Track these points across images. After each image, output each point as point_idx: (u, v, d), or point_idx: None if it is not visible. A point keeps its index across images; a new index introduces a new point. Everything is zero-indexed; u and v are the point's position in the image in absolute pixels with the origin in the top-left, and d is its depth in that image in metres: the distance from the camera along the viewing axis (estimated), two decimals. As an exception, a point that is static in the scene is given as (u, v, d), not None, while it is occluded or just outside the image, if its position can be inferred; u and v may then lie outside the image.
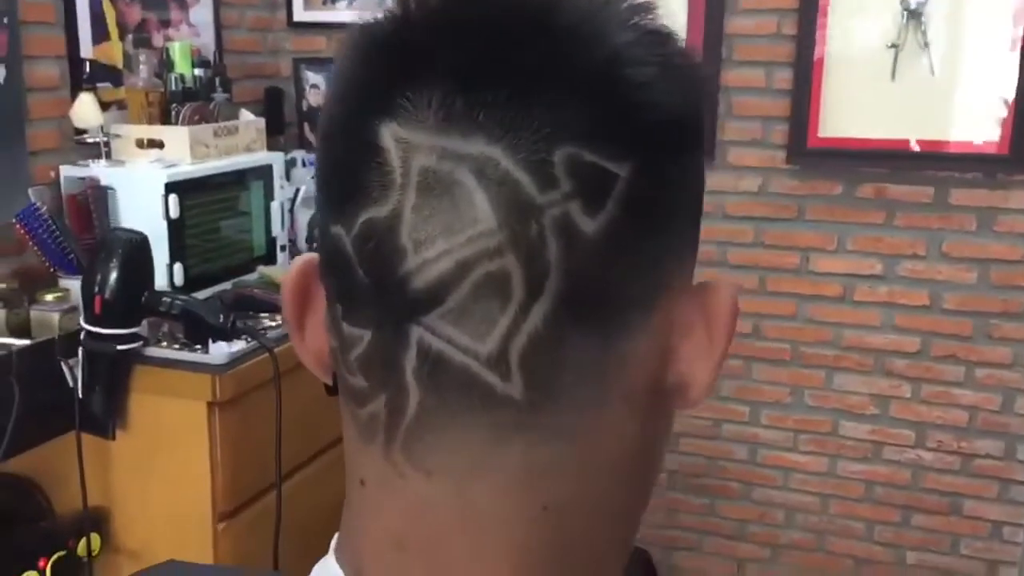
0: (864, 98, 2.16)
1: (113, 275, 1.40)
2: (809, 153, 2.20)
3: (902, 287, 2.23)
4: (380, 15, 0.39)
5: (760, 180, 2.28)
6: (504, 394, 0.35)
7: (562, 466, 0.37)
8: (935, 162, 2.14)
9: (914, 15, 2.10)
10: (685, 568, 2.53)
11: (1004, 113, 2.07)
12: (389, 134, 0.35)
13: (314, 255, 0.42)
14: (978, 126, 2.10)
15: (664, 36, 0.38)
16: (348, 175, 0.37)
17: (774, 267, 2.31)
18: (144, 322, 1.48)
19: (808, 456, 2.38)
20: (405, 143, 0.35)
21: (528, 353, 0.35)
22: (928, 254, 2.20)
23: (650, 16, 0.39)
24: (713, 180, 2.30)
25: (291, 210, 2.20)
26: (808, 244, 2.28)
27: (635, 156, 0.35)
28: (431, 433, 0.37)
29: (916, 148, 2.14)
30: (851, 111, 2.17)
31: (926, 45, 2.10)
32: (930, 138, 2.13)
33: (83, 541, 1.48)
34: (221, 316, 1.40)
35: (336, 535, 0.43)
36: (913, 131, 2.13)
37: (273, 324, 1.67)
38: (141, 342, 1.47)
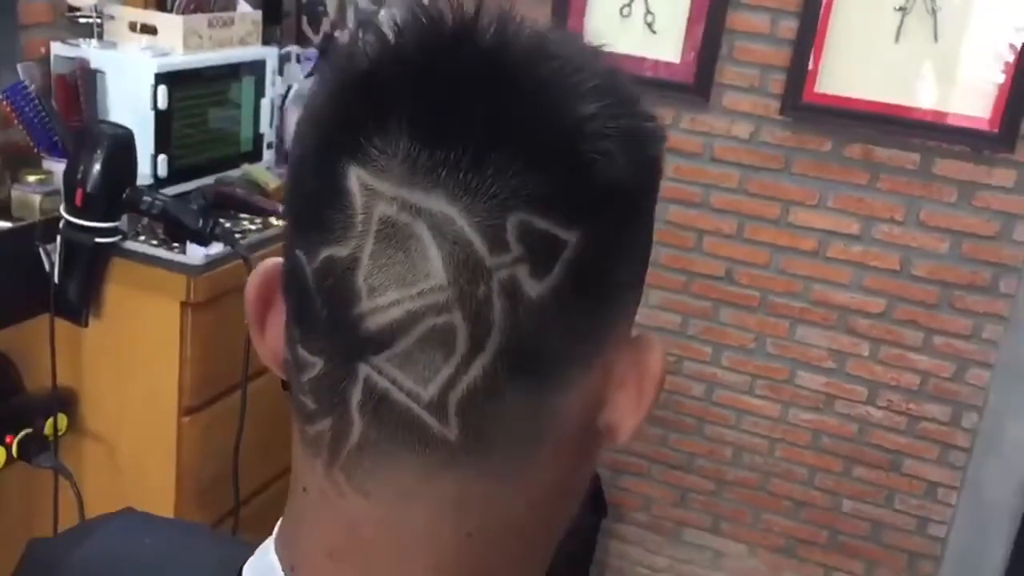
0: (865, 58, 2.15)
1: (96, 168, 1.40)
2: (803, 107, 2.20)
3: (876, 249, 2.26)
4: (357, 50, 0.40)
5: (752, 128, 2.28)
6: (440, 436, 0.38)
7: (489, 501, 0.40)
8: (924, 131, 2.15)
9: (926, -21, 2.08)
10: (631, 491, 2.63)
11: (998, 90, 2.07)
12: (355, 178, 0.37)
13: (279, 260, 0.44)
14: (972, 100, 2.11)
15: (628, 104, 0.40)
16: (314, 208, 0.39)
17: (754, 215, 2.34)
18: (124, 216, 1.49)
19: (762, 401, 2.46)
20: (370, 190, 0.37)
21: (465, 401, 0.38)
22: (905, 220, 2.23)
23: (618, 78, 0.40)
24: (705, 122, 2.31)
25: (281, 107, 2.18)
26: (790, 197, 2.30)
27: (585, 224, 0.37)
28: (370, 460, 0.39)
29: (908, 114, 2.14)
30: (851, 69, 2.17)
31: (933, 11, 2.09)
32: (923, 106, 2.14)
33: (50, 421, 1.53)
34: (201, 220, 1.41)
35: (279, 523, 0.47)
36: (908, 97, 2.14)
37: (253, 227, 1.69)
38: (120, 236, 1.48)
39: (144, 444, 1.59)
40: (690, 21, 2.25)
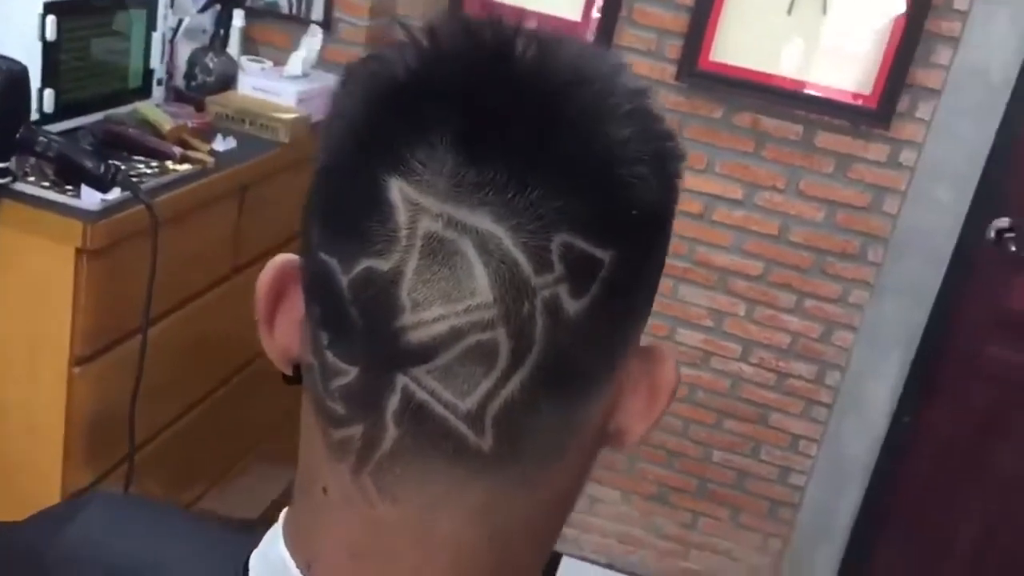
0: (759, 28, 2.22)
1: (-13, 105, 1.32)
2: (698, 74, 2.26)
3: (758, 215, 2.36)
4: (391, 56, 0.41)
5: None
6: (475, 446, 0.40)
7: (512, 506, 0.42)
8: (808, 103, 2.24)
9: (820, -43, 2.15)
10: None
11: (878, 67, 2.18)
12: (398, 191, 0.38)
13: (293, 257, 0.45)
14: (854, 75, 2.21)
15: (656, 126, 0.42)
16: (349, 217, 0.39)
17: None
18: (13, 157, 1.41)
19: (643, 355, 2.54)
20: (415, 205, 0.38)
21: (502, 414, 0.39)
22: (786, 189, 2.33)
23: (647, 101, 0.42)
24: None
25: (171, 40, 2.09)
26: (680, 160, 2.36)
27: (619, 244, 0.39)
28: (402, 467, 0.41)
29: (795, 87, 2.23)
30: (745, 39, 2.23)
31: (825, -13, 2.17)
32: (809, 79, 2.23)
33: (-71, 368, 1.45)
34: (101, 165, 1.35)
35: (284, 513, 0.47)
36: (796, 69, 2.23)
37: (149, 171, 1.62)
38: (10, 178, 1.40)
39: (32, 394, 1.53)
40: (591, -19, 2.26)
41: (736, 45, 2.23)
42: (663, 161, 0.41)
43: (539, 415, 0.40)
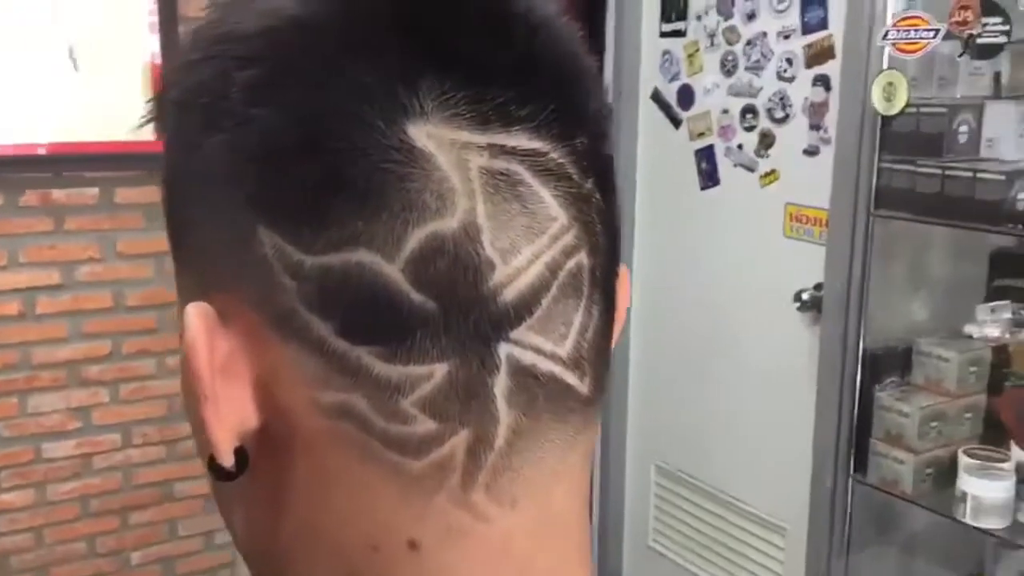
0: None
1: None
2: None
3: (85, 292, 2.18)
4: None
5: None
6: (581, 394, 0.35)
7: (588, 456, 0.38)
8: (100, 163, 2.13)
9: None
10: None
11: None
12: (425, 136, 0.31)
13: (204, 305, 0.34)
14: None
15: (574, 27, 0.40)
16: (369, 190, 0.31)
17: (-62, 295, 2.03)
18: None
19: (14, 492, 2.18)
20: (451, 144, 0.31)
21: (592, 348, 0.35)
22: (104, 255, 2.19)
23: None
24: None
25: None
26: (-26, 263, 2.05)
27: (601, 136, 0.37)
28: (519, 457, 0.34)
29: (83, 150, 2.10)
30: (12, 115, 2.01)
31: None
32: (94, 139, 2.11)
33: None
34: None
35: None
36: (84, 132, 2.09)
37: None
38: None
39: None
40: None
41: (4, 123, 2.00)
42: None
43: (607, 336, 0.36)
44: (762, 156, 2.21)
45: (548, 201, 0.33)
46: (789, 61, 2.12)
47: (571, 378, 0.34)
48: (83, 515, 2.27)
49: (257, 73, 0.32)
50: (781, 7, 2.13)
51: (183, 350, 0.33)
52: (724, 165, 2.31)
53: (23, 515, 2.20)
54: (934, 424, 1.80)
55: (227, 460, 0.34)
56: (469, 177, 0.31)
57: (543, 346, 0.33)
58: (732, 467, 2.36)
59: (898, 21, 1.73)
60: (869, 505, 1.96)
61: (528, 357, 0.33)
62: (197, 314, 0.33)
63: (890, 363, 1.91)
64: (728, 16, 2.26)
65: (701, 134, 2.36)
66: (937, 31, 1.68)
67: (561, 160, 0.33)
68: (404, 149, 0.31)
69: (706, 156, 2.36)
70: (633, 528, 2.74)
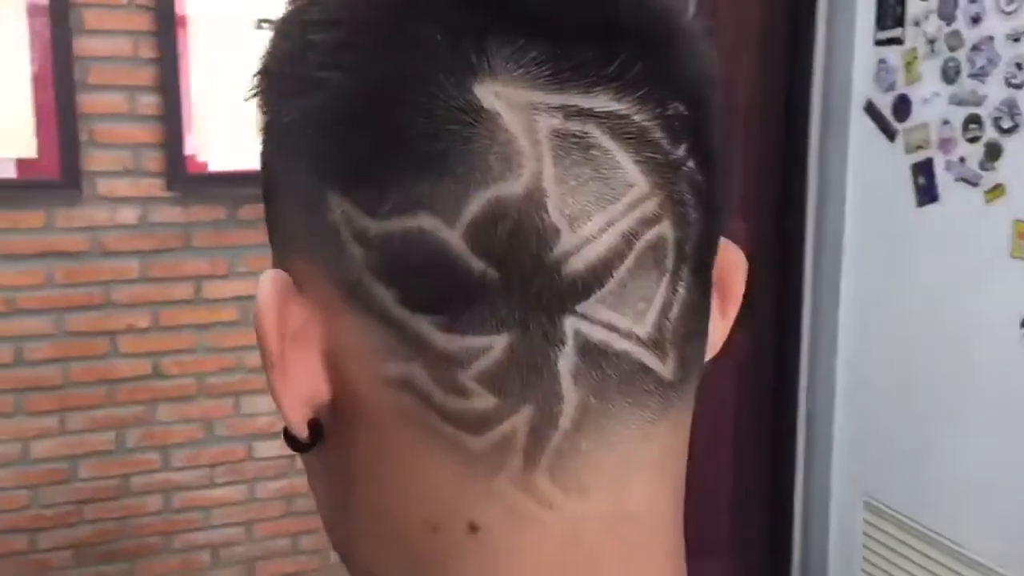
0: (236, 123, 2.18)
1: None
2: (189, 180, 2.14)
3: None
4: None
5: (139, 211, 2.15)
6: (661, 376, 0.33)
7: (685, 444, 0.35)
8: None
9: None
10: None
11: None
12: (494, 96, 0.30)
13: (281, 271, 0.34)
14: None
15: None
16: (432, 152, 0.30)
17: (167, 300, 2.20)
18: None
19: (226, 488, 2.33)
20: (521, 104, 0.30)
21: (678, 327, 0.33)
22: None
23: None
24: (84, 215, 2.11)
25: None
26: (199, 272, 2.22)
27: (704, 107, 0.34)
28: (588, 441, 0.31)
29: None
30: (224, 136, 2.17)
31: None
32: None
33: None
34: None
35: None
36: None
37: None
38: None
39: None
40: (37, 112, 2.02)
41: (219, 142, 2.16)
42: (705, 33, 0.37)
43: (703, 317, 0.34)
44: (987, 169, 2.03)
45: (627, 167, 0.31)
46: (1019, 66, 1.94)
47: (649, 359, 0.32)
48: (288, 513, 2.39)
49: (329, 37, 0.32)
50: (1010, 8, 1.96)
51: (254, 315, 0.33)
52: (944, 180, 2.14)
53: (235, 509, 2.34)
54: None
55: (299, 430, 0.34)
56: (538, 139, 0.30)
57: (618, 323, 0.31)
58: (954, 508, 2.17)
59: None
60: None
61: (599, 334, 0.31)
62: (270, 280, 0.33)
63: None
64: (950, 20, 2.10)
65: (919, 147, 2.21)
66: None
67: (646, 124, 0.31)
68: (470, 110, 0.29)
69: (924, 170, 2.20)
70: (838, 571, 2.57)
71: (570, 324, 0.30)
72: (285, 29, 0.34)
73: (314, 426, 0.34)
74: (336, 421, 0.34)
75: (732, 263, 0.39)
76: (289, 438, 0.35)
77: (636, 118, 0.31)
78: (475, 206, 0.30)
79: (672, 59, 0.33)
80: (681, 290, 0.32)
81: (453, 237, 0.30)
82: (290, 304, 0.33)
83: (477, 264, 0.30)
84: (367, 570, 0.36)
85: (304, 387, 0.33)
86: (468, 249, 0.30)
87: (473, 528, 0.32)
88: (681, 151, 0.32)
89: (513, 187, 0.29)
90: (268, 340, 0.32)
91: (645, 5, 0.33)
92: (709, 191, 0.33)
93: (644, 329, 0.31)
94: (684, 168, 0.32)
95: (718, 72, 0.37)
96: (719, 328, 0.39)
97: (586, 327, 0.31)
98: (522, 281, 0.30)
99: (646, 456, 0.33)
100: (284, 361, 0.33)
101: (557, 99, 0.30)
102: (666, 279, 0.32)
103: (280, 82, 0.34)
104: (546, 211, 0.30)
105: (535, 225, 0.30)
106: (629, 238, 0.31)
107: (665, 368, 0.32)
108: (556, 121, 0.30)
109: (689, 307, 0.33)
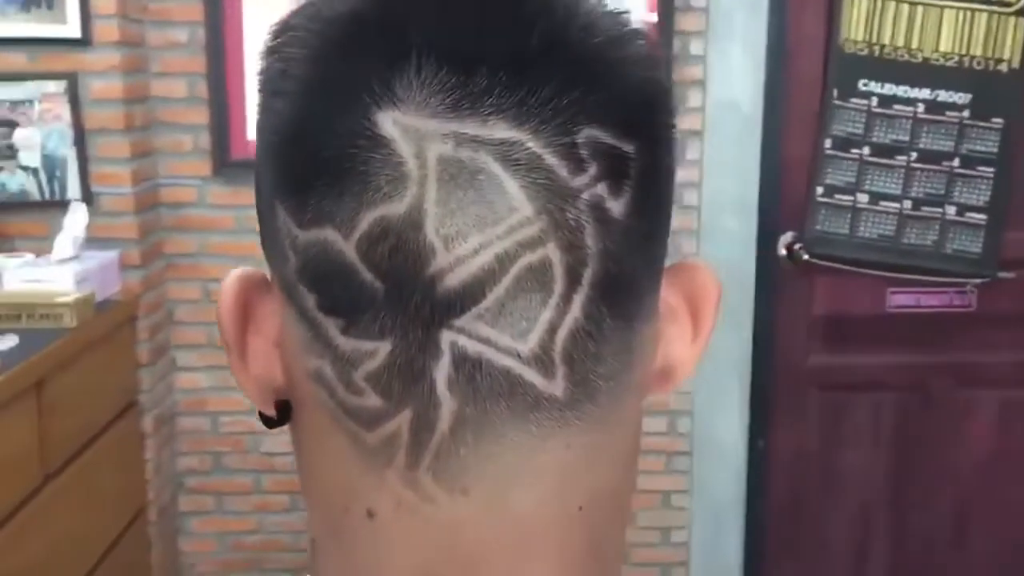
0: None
1: None
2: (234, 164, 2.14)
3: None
4: None
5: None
6: (547, 393, 0.34)
7: (594, 462, 0.36)
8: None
9: None
10: None
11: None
12: (391, 123, 0.32)
13: (250, 269, 0.39)
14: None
15: (628, 19, 0.38)
16: (336, 174, 0.33)
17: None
18: None
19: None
20: (415, 131, 0.32)
21: (570, 347, 0.34)
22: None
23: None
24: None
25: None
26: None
27: (637, 135, 0.35)
28: (465, 447, 0.34)
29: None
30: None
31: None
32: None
33: None
34: None
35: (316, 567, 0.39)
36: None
37: None
38: None
39: None
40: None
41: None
42: (650, 47, 0.37)
43: (605, 341, 0.35)
44: None
45: (512, 192, 0.32)
46: None
47: (532, 376, 0.34)
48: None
49: (277, 64, 0.35)
50: None
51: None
52: None
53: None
54: None
55: (264, 408, 0.39)
56: (426, 164, 0.32)
57: (496, 339, 0.33)
58: None
59: None
60: None
61: (476, 347, 0.33)
62: (234, 276, 0.38)
63: None
64: None
65: None
66: None
67: (540, 151, 0.32)
68: (369, 136, 0.32)
69: None
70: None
71: (447, 337, 0.33)
72: (263, 49, 0.37)
73: (281, 407, 0.38)
74: (293, 404, 0.38)
75: (703, 287, 0.40)
76: (261, 416, 0.39)
77: (530, 145, 0.32)
78: (365, 223, 0.32)
79: (596, 86, 0.34)
80: (574, 311, 0.33)
81: (349, 249, 0.33)
82: (254, 298, 0.38)
83: (367, 275, 0.33)
84: (312, 536, 0.40)
85: (263, 371, 0.38)
86: (359, 261, 0.33)
87: (371, 514, 0.36)
88: (585, 178, 0.33)
89: (397, 207, 0.32)
90: (225, 326, 0.38)
91: (566, 37, 0.34)
92: (629, 217, 0.34)
93: (527, 347, 0.33)
94: (584, 194, 0.33)
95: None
96: (687, 352, 0.40)
97: (464, 340, 0.33)
98: (402, 294, 0.32)
99: (534, 469, 0.35)
100: (241, 346, 0.38)
101: (451, 127, 0.32)
102: (552, 300, 0.33)
103: (258, 95, 0.37)
104: (424, 231, 0.32)
105: (413, 243, 0.32)
106: (504, 259, 0.32)
107: (552, 386, 0.34)
108: (447, 148, 0.32)
109: (583, 330, 0.34)
